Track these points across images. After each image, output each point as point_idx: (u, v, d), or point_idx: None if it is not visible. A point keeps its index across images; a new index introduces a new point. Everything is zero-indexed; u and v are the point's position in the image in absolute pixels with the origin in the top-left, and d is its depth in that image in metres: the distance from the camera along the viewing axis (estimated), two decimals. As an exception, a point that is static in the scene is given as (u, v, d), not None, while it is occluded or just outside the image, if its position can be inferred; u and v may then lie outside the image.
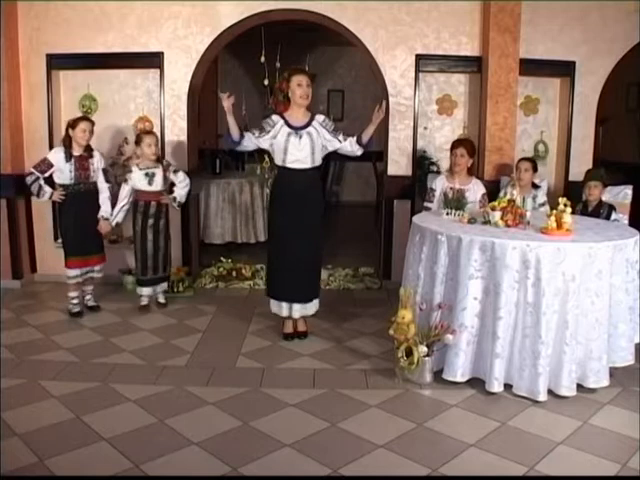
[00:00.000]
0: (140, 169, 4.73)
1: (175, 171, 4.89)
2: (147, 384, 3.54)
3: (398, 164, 5.61)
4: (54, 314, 4.78)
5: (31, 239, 5.64)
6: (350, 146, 4.17)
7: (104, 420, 3.10)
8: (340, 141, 4.15)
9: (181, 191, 4.91)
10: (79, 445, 2.86)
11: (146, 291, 4.92)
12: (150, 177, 4.74)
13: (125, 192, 4.75)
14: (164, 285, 5.04)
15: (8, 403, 3.24)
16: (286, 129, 4.07)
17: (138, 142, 4.76)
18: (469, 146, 4.78)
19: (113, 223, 4.77)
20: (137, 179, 4.73)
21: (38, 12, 5.40)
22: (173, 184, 4.93)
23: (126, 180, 4.75)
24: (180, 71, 5.48)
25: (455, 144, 4.82)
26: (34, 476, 2.65)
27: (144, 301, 4.94)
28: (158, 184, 4.78)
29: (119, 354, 4.01)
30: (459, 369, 3.48)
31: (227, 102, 3.96)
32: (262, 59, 5.64)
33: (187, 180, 4.94)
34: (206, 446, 2.87)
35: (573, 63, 5.51)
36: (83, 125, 4.57)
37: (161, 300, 5.03)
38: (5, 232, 5.38)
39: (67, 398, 3.33)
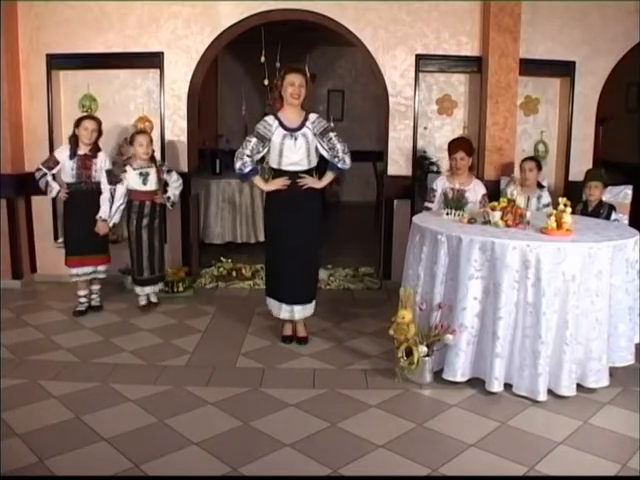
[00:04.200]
0: (134, 169, 4.75)
1: (169, 171, 4.96)
2: (147, 384, 3.53)
3: (398, 164, 5.61)
4: (54, 314, 4.78)
5: (31, 239, 5.63)
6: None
7: (104, 420, 3.10)
8: (327, 151, 4.04)
9: (175, 191, 4.99)
10: (79, 445, 2.86)
11: (146, 290, 4.95)
12: (144, 177, 4.77)
13: (120, 192, 4.74)
14: (159, 285, 5.08)
15: (8, 403, 3.24)
16: (281, 131, 3.99)
17: (131, 142, 4.79)
18: (467, 147, 4.67)
19: (110, 224, 4.76)
20: (131, 179, 4.75)
21: (38, 12, 5.40)
22: (167, 184, 4.96)
23: (121, 180, 4.74)
24: (180, 71, 5.48)
25: (453, 148, 4.68)
26: (34, 476, 2.65)
27: (143, 301, 4.96)
28: (152, 183, 4.80)
29: (119, 354, 4.01)
30: (459, 369, 3.48)
31: (282, 184, 4.02)
32: (262, 59, 5.65)
33: (180, 180, 5.02)
34: (206, 446, 2.87)
35: (573, 63, 5.50)
36: (86, 123, 4.60)
37: (153, 299, 5.03)
38: (5, 232, 5.38)
39: (67, 398, 3.33)
